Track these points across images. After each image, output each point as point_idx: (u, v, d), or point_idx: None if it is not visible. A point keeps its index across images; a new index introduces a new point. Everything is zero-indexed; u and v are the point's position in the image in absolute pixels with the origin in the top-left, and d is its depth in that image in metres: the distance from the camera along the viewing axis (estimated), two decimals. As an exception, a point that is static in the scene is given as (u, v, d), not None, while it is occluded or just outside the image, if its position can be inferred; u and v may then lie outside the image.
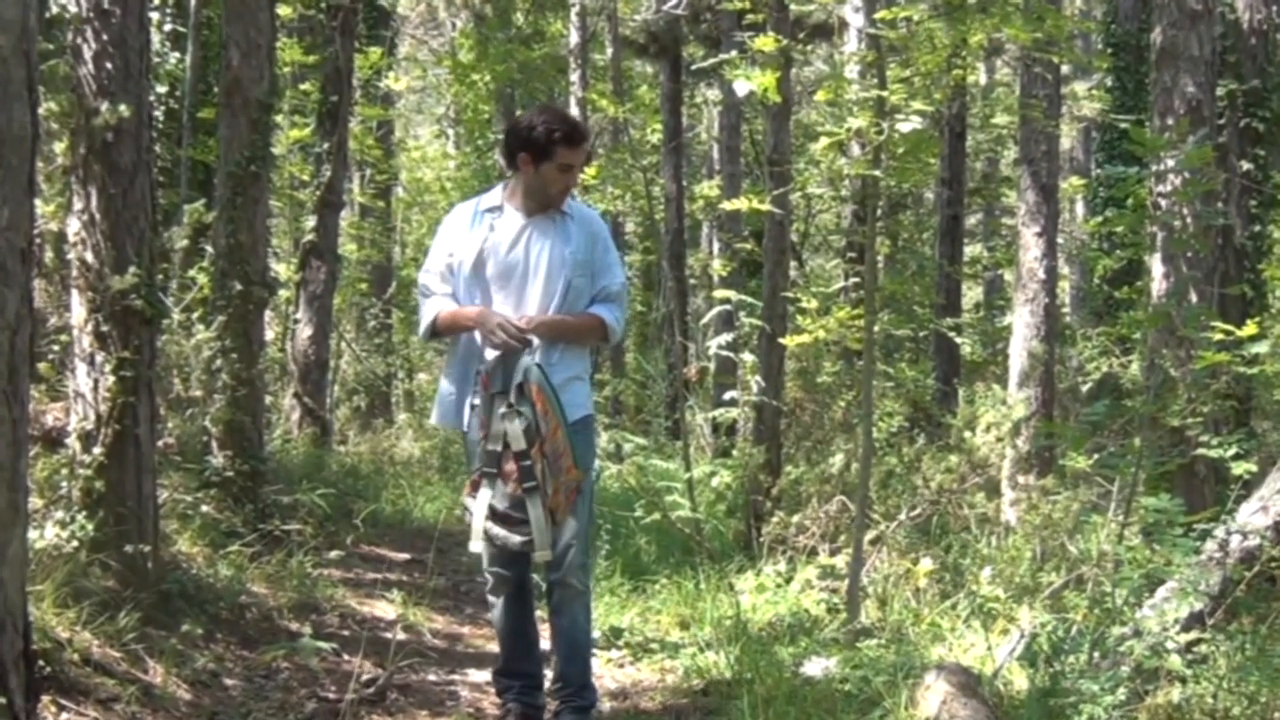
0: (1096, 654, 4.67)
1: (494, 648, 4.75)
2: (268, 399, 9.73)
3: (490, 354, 4.41)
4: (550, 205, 4.56)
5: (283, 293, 11.83)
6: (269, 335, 10.87)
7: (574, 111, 17.69)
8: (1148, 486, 6.59)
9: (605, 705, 5.08)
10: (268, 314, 9.73)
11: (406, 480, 11.37)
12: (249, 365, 7.44)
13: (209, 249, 8.01)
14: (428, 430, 14.97)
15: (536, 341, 4.37)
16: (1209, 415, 6.73)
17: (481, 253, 4.50)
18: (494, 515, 4.29)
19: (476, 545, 4.38)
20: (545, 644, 4.85)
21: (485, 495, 4.32)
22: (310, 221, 11.38)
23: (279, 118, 11.73)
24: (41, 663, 4.06)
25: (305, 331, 11.17)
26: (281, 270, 12.57)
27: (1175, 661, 4.50)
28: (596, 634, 5.55)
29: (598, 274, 4.59)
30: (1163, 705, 4.44)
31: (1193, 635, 4.73)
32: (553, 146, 4.46)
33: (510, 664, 4.71)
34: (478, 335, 4.48)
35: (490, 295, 4.52)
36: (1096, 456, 7.28)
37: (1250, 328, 5.88)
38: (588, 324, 4.57)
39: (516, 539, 4.28)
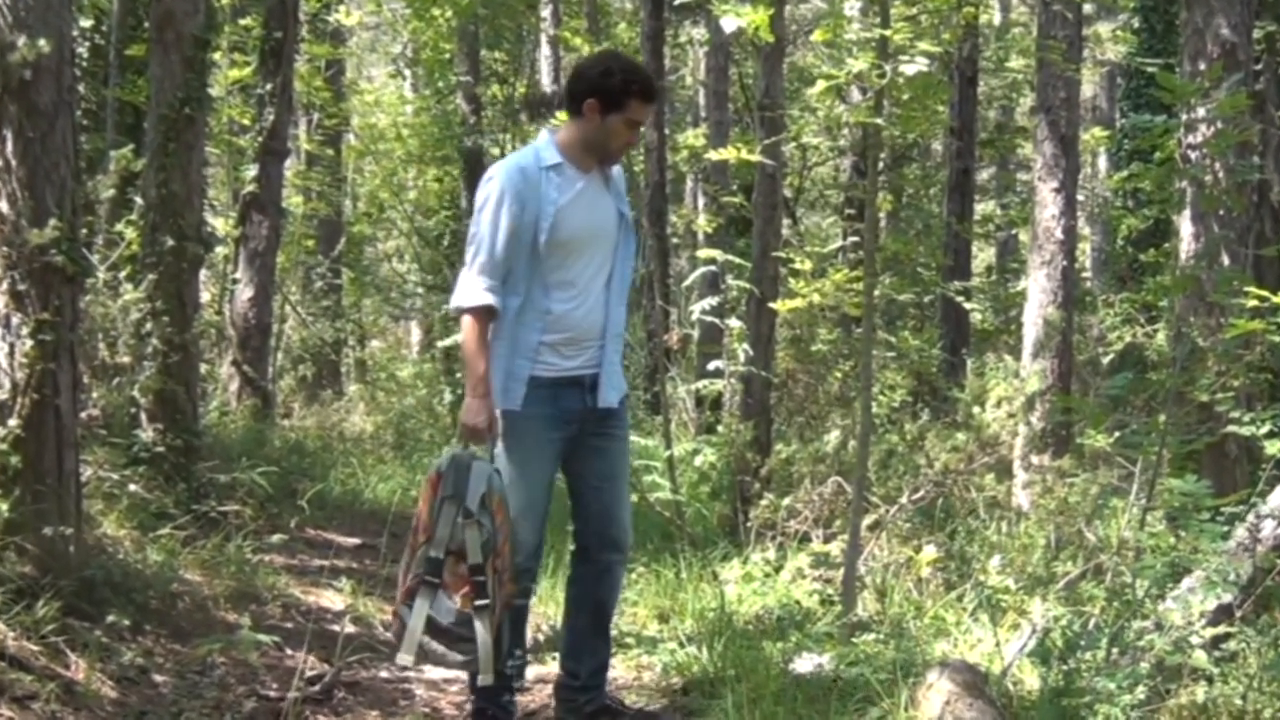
0: (1115, 650, 4.70)
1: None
2: (203, 367, 9.70)
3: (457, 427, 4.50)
4: (607, 161, 4.64)
5: (220, 249, 11.78)
6: (205, 296, 10.85)
7: (545, 51, 17.66)
8: (1173, 467, 6.62)
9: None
10: (203, 273, 9.70)
11: (357, 458, 11.37)
12: (182, 329, 7.41)
13: (138, 200, 7.97)
14: (380, 403, 14.96)
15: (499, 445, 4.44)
16: (1241, 389, 6.76)
17: (556, 218, 4.49)
18: (433, 629, 4.29)
19: (406, 658, 4.33)
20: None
21: (423, 606, 4.30)
22: (251, 171, 11.32)
23: (216, 55, 11.65)
24: (-49, 657, 4.05)
25: (245, 293, 11.13)
26: (219, 225, 12.51)
27: (1200, 658, 4.54)
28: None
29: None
30: (1186, 705, 4.47)
31: (1220, 629, 4.76)
32: (627, 98, 4.49)
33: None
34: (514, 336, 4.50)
35: (563, 262, 4.52)
36: (1118, 434, 7.30)
37: (1287, 293, 5.90)
38: None
39: (457, 657, 4.32)
